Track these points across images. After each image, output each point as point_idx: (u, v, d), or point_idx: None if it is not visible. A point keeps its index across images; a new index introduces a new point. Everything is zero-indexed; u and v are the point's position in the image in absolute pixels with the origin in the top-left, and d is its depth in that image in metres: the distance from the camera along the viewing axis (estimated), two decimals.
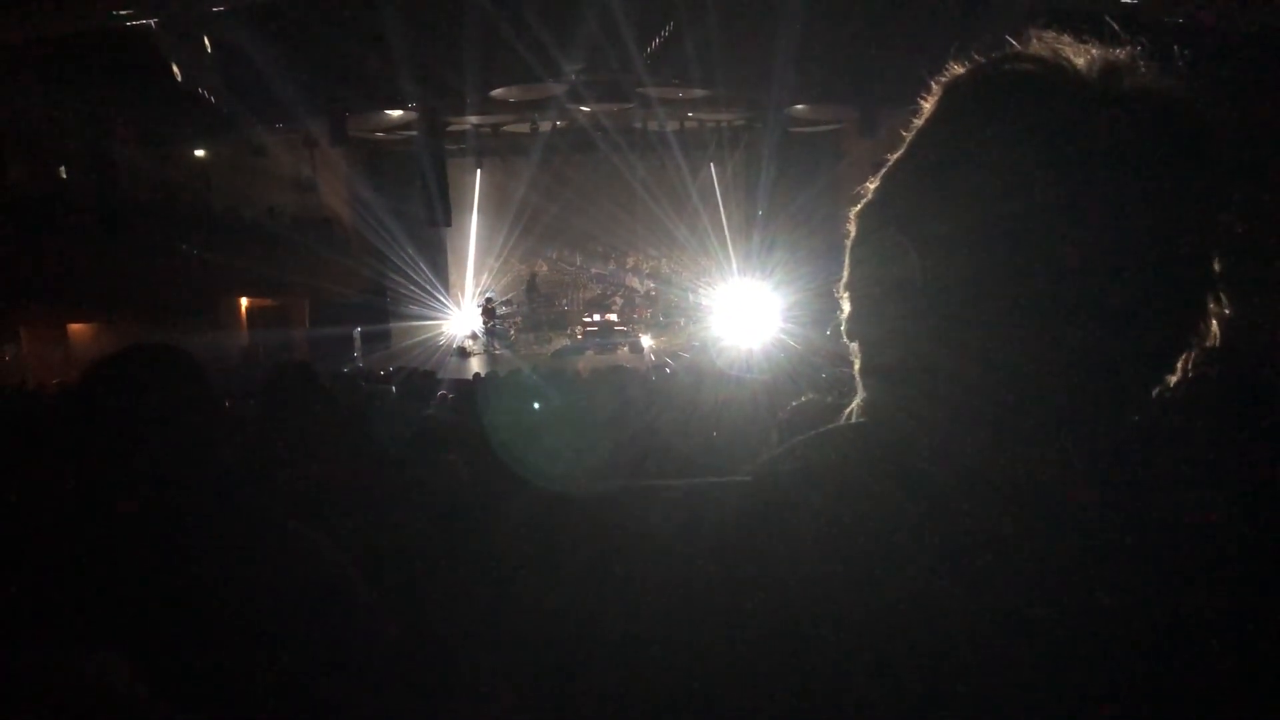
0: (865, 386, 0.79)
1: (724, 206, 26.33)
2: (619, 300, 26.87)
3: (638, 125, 24.48)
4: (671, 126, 24.30)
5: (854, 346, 0.80)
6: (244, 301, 21.83)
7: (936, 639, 0.65)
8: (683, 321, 25.12)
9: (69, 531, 1.66)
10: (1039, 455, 0.69)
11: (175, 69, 16.76)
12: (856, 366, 0.80)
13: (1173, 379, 0.71)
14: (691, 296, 25.77)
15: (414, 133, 21.97)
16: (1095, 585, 0.67)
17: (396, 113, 21.59)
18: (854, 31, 17.40)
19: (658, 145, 24.74)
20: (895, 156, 0.77)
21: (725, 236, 25.98)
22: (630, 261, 28.33)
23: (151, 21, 14.92)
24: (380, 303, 24.37)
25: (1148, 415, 0.72)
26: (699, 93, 20.93)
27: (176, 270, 18.22)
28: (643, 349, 22.94)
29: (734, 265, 25.05)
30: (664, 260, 27.90)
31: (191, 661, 1.62)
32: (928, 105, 0.76)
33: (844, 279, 0.80)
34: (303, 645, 1.70)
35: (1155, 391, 0.71)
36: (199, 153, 21.96)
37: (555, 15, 17.48)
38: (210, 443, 1.77)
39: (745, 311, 21.76)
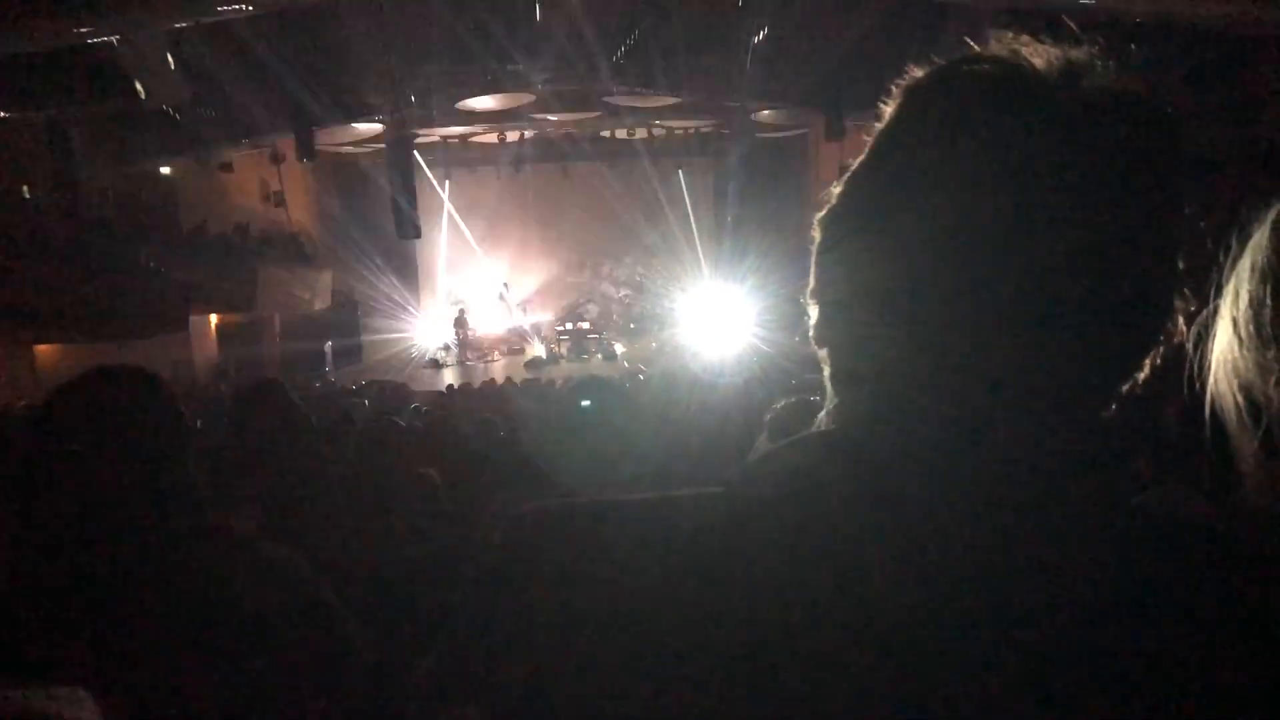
0: (836, 392, 0.79)
1: (694, 213, 26.42)
2: (594, 308, 26.86)
3: (606, 134, 24.53)
4: (639, 134, 24.36)
5: (823, 353, 0.80)
6: (213, 318, 21.64)
7: (910, 649, 0.65)
8: (656, 328, 25.13)
9: (32, 556, 1.64)
10: (1011, 460, 0.69)
11: (140, 86, 16.62)
12: (826, 373, 0.79)
13: (1142, 375, 0.71)
14: (664, 303, 25.80)
15: (382, 146, 21.90)
16: (1071, 593, 0.66)
17: (364, 126, 21.52)
18: (819, 36, 17.49)
19: (626, 153, 24.80)
20: (858, 161, 0.76)
21: (696, 243, 26.07)
22: (605, 269, 28.34)
23: (114, 39, 14.79)
24: (351, 316, 24.29)
25: (1119, 414, 0.72)
26: (666, 100, 20.99)
27: (144, 288, 18.04)
28: (616, 356, 22.94)
29: (705, 271, 25.12)
30: (638, 267, 27.93)
31: (163, 684, 1.60)
32: (888, 109, 0.75)
33: (810, 285, 0.80)
34: (277, 663, 1.69)
35: (1125, 389, 0.71)
36: (165, 170, 21.77)
37: (521, 25, 17.50)
38: (178, 463, 1.75)
39: (718, 317, 21.82)
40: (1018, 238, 0.66)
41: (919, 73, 0.75)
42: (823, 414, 0.80)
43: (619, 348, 23.77)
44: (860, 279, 0.73)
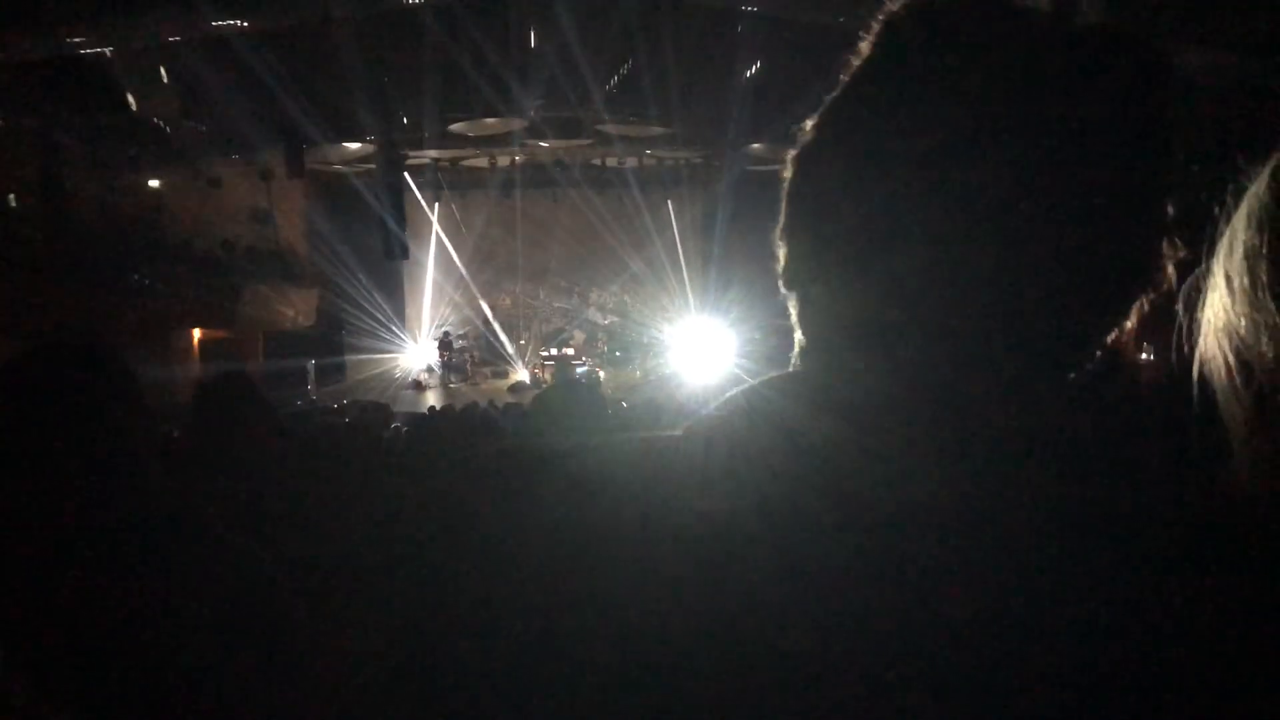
0: (804, 334, 0.75)
1: (681, 242, 26.45)
2: (580, 335, 26.81)
3: (596, 162, 24.58)
4: (630, 163, 24.42)
5: (792, 296, 0.76)
6: (196, 333, 21.51)
7: (877, 579, 0.61)
8: (640, 357, 25.09)
9: None
10: (984, 406, 0.65)
11: (130, 97, 16.60)
12: (793, 316, 0.76)
13: (1128, 324, 0.68)
14: (650, 332, 25.77)
15: (372, 166, 21.89)
16: (1041, 552, 0.63)
17: (355, 145, 21.51)
18: (810, 71, 17.61)
19: (616, 182, 24.86)
20: (833, 96, 0.73)
21: (683, 272, 26.09)
22: (593, 296, 28.33)
23: (106, 50, 14.78)
24: (335, 336, 24.17)
25: (1100, 366, 0.69)
26: (657, 130, 21.06)
27: (128, 301, 17.93)
28: (599, 384, 22.87)
29: (691, 301, 25.14)
30: (625, 296, 27.93)
31: (116, 673, 1.54)
32: (865, 44, 0.72)
33: (780, 224, 0.76)
34: (234, 654, 1.63)
35: (1110, 337, 0.68)
36: (153, 182, 21.69)
37: (515, 51, 17.57)
38: (137, 442, 1.69)
39: (702, 347, 21.82)
40: (1000, 172, 0.64)
41: (894, 7, 0.71)
42: (793, 354, 0.77)
43: (602, 375, 23.70)
44: (835, 217, 0.70)
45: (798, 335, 0.76)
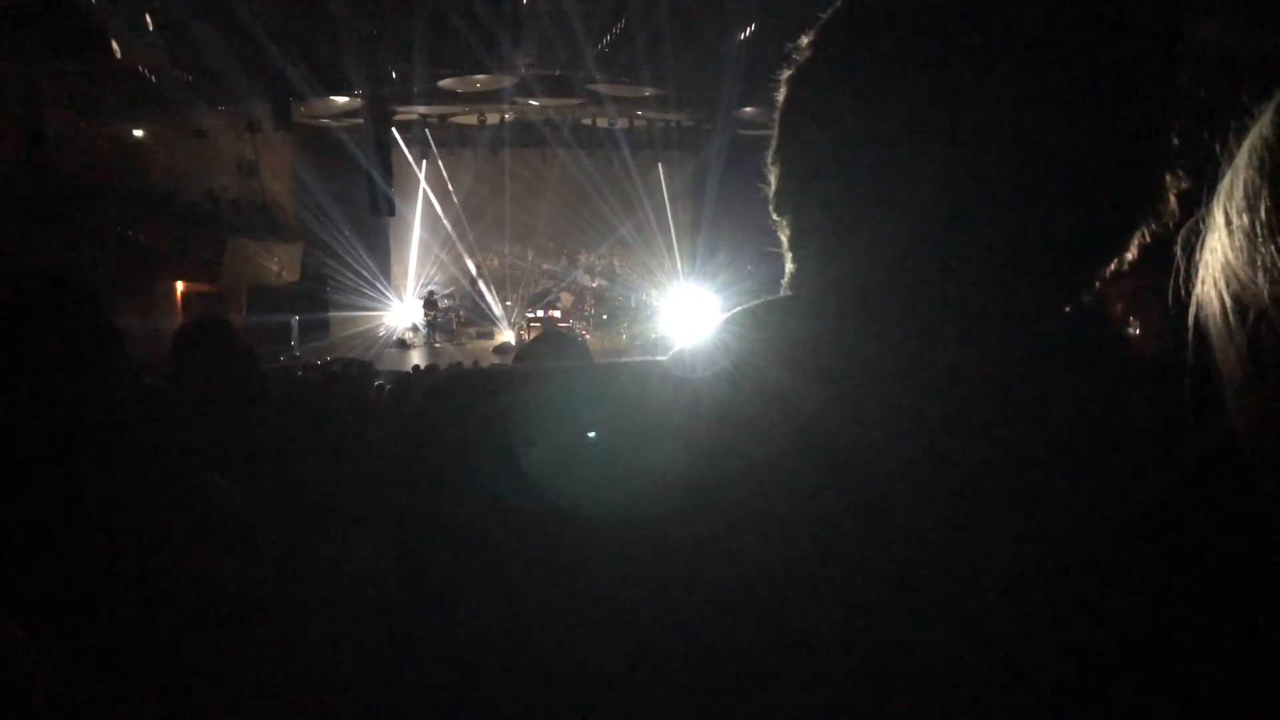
0: (794, 260, 0.73)
1: (671, 206, 26.35)
2: (569, 296, 26.73)
3: (587, 122, 24.41)
4: (621, 124, 24.27)
5: (783, 221, 0.74)
6: (180, 286, 21.34)
7: (860, 499, 0.59)
8: (627, 321, 25.05)
9: None
10: (978, 335, 0.63)
11: (115, 44, 16.36)
12: (785, 241, 0.74)
13: (1128, 256, 0.66)
14: (636, 296, 25.72)
15: (360, 120, 21.69)
16: (1030, 504, 0.62)
17: (343, 99, 21.29)
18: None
19: (607, 143, 24.70)
20: (830, 14, 0.70)
21: (671, 236, 26.01)
22: (582, 259, 28.23)
23: None
24: (320, 292, 24.03)
25: (1093, 304, 0.67)
26: (649, 91, 20.92)
27: (110, 251, 17.74)
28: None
29: (679, 265, 25.08)
30: (614, 259, 27.84)
31: (90, 611, 1.52)
32: None
33: (773, 147, 0.74)
34: (207, 592, 1.61)
35: (1110, 270, 0.66)
36: (137, 132, 21.42)
37: (506, 7, 17.39)
38: (108, 374, 1.66)
39: (688, 311, 21.78)
40: (1001, 93, 0.62)
41: None
42: (783, 283, 0.75)
43: (588, 338, 23.68)
44: (829, 138, 0.68)
45: (788, 263, 0.74)
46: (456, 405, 0.71)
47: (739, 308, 0.73)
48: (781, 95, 0.73)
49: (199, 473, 1.73)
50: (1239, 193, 0.73)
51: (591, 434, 0.68)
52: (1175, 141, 0.66)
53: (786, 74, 0.73)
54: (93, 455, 1.62)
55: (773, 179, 0.74)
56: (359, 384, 6.28)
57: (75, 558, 1.55)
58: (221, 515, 1.70)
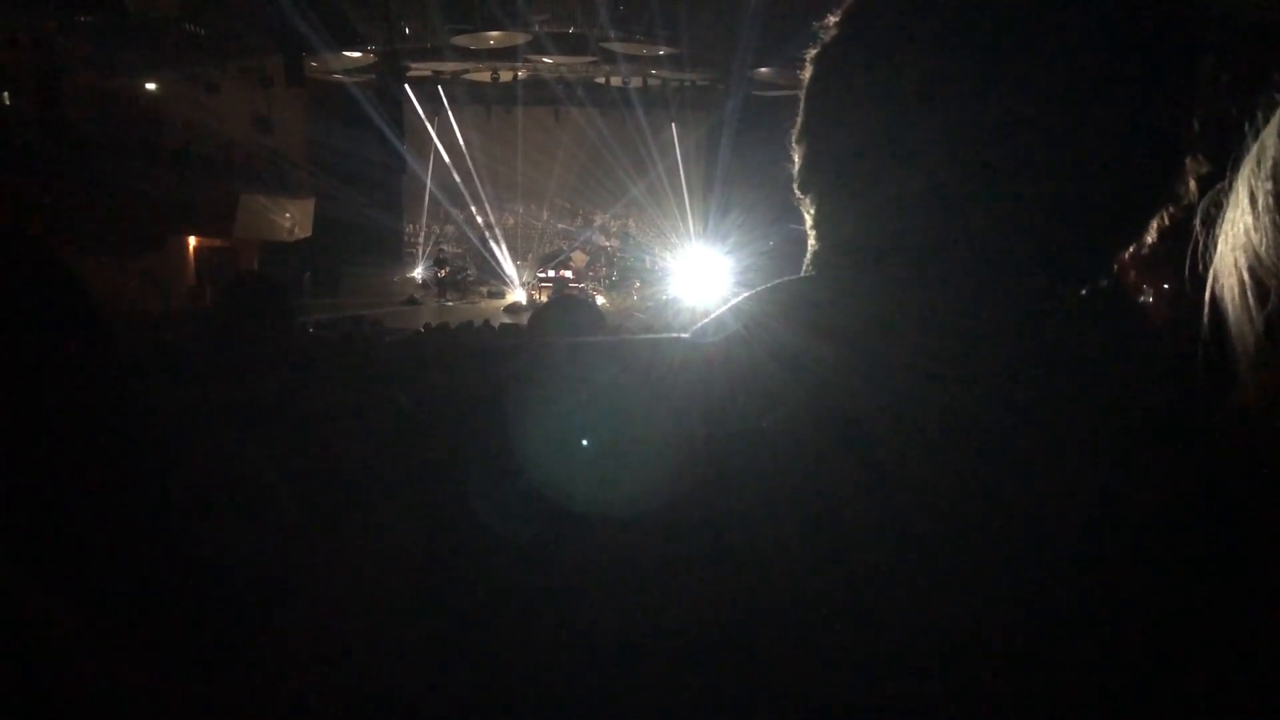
0: (817, 239, 0.74)
1: (683, 167, 26.18)
2: (583, 256, 26.65)
3: (600, 80, 24.23)
4: (635, 84, 24.07)
5: (806, 200, 0.75)
6: (192, 240, 21.34)
7: (868, 477, 0.60)
8: (638, 282, 24.96)
9: None
10: (998, 320, 0.64)
11: None
12: (808, 220, 0.74)
13: (1148, 239, 0.67)
14: (648, 257, 25.61)
15: (373, 76, 21.56)
16: (1043, 471, 0.63)
17: (355, 55, 21.16)
18: None
19: (620, 102, 24.51)
20: None
21: (684, 197, 25.86)
22: (597, 219, 28.13)
23: None
24: (332, 248, 23.99)
25: (1112, 282, 0.67)
26: (663, 50, 20.73)
27: (123, 204, 17.72)
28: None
29: (691, 226, 24.95)
30: (629, 219, 27.73)
31: (122, 586, 1.54)
32: None
33: (799, 126, 0.74)
34: (237, 568, 1.63)
35: (1129, 253, 0.67)
36: (150, 86, 21.33)
37: None
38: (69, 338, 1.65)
39: (700, 273, 21.68)
40: (1021, 82, 0.62)
41: None
42: (806, 258, 0.76)
43: (600, 299, 23.62)
44: (853, 119, 0.68)
45: (811, 241, 0.75)
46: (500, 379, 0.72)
47: (761, 287, 0.74)
48: (807, 74, 0.73)
49: (226, 443, 1.74)
50: (1265, 168, 0.73)
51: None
52: (1196, 126, 0.66)
53: (812, 52, 0.73)
54: (93, 422, 1.63)
55: (797, 158, 0.75)
56: (370, 342, 6.30)
57: (105, 532, 1.56)
58: (248, 489, 1.71)
